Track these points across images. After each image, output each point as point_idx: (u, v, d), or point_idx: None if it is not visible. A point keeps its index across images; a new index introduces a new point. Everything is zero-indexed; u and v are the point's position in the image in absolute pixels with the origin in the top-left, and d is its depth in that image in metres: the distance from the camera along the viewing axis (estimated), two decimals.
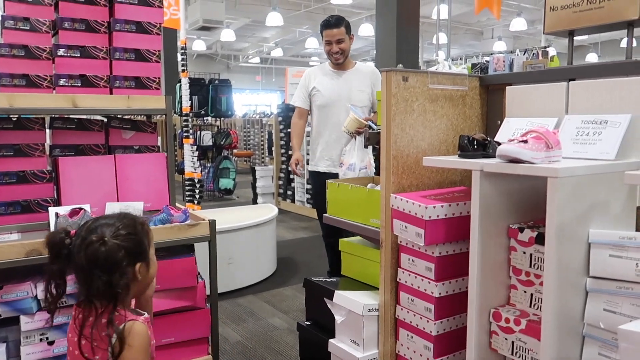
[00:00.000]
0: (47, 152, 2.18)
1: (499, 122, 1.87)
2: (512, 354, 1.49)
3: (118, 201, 2.19)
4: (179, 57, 4.43)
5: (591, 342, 1.38)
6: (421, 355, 1.76)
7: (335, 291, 2.01)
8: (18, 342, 1.80)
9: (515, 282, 1.55)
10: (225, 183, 7.74)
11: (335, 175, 2.85)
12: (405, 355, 1.84)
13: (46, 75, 2.09)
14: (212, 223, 2.12)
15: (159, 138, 2.46)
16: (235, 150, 9.19)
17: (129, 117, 2.38)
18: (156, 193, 2.29)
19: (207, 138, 7.60)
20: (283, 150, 7.21)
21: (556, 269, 1.31)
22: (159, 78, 2.31)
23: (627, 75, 1.55)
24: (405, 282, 1.79)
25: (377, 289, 1.92)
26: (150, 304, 1.51)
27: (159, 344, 2.03)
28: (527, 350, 1.46)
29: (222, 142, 7.71)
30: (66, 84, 2.11)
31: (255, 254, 3.86)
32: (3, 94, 1.96)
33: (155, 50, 2.30)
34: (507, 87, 1.88)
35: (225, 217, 3.81)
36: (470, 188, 1.50)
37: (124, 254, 1.27)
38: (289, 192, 7.04)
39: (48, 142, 2.22)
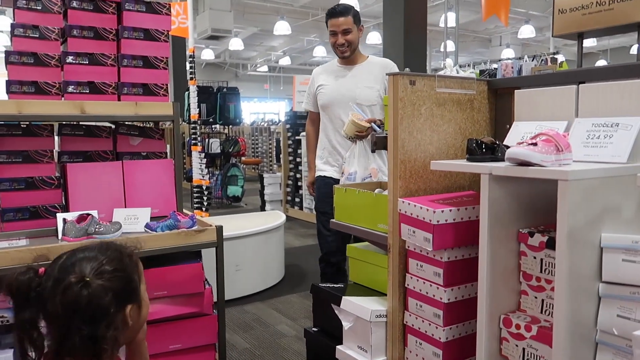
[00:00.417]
0: (56, 159, 2.20)
1: (508, 126, 1.85)
2: None
3: (125, 207, 2.20)
4: (187, 65, 4.46)
5: (604, 349, 1.35)
6: None
7: (343, 297, 1.99)
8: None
9: (525, 288, 1.52)
10: (233, 190, 7.76)
11: (339, 182, 2.60)
12: None
13: (55, 82, 2.10)
14: (220, 229, 2.12)
15: (167, 145, 2.47)
16: (243, 158, 9.24)
17: (136, 123, 2.39)
18: (164, 199, 2.29)
19: (215, 145, 7.64)
20: (291, 158, 7.21)
21: (567, 274, 1.28)
22: (166, 85, 2.32)
23: (638, 78, 1.53)
24: (414, 287, 1.77)
25: (385, 294, 1.90)
26: (143, 349, 1.23)
27: (165, 351, 2.02)
28: (538, 358, 1.43)
29: (230, 150, 7.74)
30: (74, 91, 2.12)
31: (262, 260, 3.85)
32: (12, 100, 1.98)
33: (162, 57, 2.31)
34: (515, 90, 1.86)
35: (233, 223, 3.81)
36: (479, 192, 1.48)
37: (112, 297, 1.01)
38: (297, 200, 7.04)
39: (56, 148, 2.24)
